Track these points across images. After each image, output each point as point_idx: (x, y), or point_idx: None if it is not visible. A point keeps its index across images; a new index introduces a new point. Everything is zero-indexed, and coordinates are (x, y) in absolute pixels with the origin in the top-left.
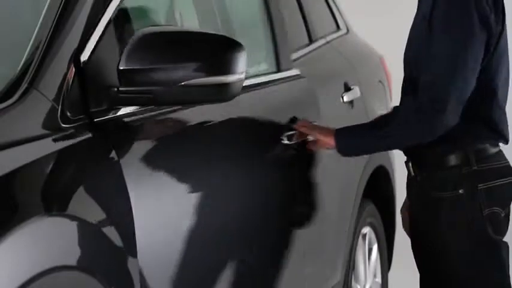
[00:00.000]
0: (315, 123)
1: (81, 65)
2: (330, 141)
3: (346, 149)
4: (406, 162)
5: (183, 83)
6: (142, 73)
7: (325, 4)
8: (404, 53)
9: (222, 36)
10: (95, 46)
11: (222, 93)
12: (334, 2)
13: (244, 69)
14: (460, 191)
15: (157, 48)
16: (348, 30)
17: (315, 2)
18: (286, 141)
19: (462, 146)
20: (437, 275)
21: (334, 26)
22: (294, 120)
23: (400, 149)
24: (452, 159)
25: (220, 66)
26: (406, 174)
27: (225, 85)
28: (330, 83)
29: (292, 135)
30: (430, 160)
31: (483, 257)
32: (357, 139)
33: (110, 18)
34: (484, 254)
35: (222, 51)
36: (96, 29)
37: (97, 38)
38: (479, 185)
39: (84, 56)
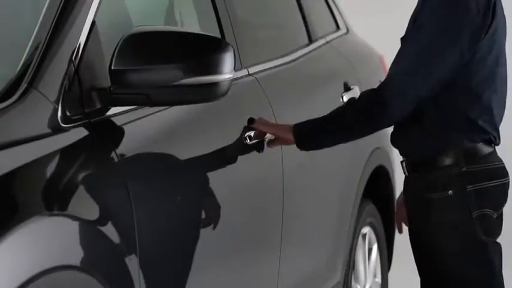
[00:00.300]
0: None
1: (74, 65)
2: (289, 137)
3: (305, 144)
4: (402, 162)
5: (174, 83)
6: (134, 73)
7: (325, 4)
8: None
9: (211, 36)
10: (84, 46)
11: (212, 92)
12: (334, 2)
13: (232, 68)
14: (450, 192)
15: (147, 48)
16: (348, 30)
17: (315, 2)
18: (248, 141)
19: (452, 147)
20: (434, 275)
21: (334, 26)
22: (251, 120)
23: (357, 138)
24: (443, 160)
25: (210, 66)
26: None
27: (215, 84)
28: (330, 83)
29: (252, 135)
30: (422, 160)
31: (473, 258)
32: (314, 133)
33: (94, 19)
34: (474, 255)
35: (212, 51)
36: (84, 29)
37: (85, 38)
38: (468, 187)
39: (76, 56)
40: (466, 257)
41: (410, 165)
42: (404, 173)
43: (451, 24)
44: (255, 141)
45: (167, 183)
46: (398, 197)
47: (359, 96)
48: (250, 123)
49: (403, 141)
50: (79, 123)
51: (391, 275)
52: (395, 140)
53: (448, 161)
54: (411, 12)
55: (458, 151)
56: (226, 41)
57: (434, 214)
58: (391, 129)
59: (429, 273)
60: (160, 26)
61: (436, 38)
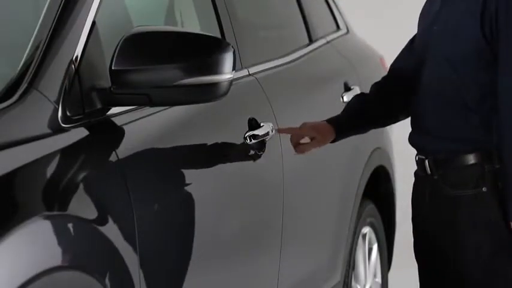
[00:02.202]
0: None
1: (75, 65)
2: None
3: None
4: (421, 160)
5: (174, 83)
6: (134, 73)
7: (325, 4)
8: (438, 46)
9: (211, 36)
10: (85, 46)
11: (212, 92)
12: (334, 2)
13: (232, 68)
14: (484, 189)
15: (147, 48)
16: (348, 30)
17: (315, 2)
18: (248, 141)
19: (485, 144)
20: (448, 276)
21: (334, 26)
22: (251, 120)
23: None
24: (475, 157)
25: (210, 66)
26: (415, 172)
27: (215, 84)
28: (330, 83)
29: (253, 135)
30: (451, 158)
31: (503, 258)
32: None
33: (94, 19)
34: (504, 255)
35: (212, 51)
36: (84, 29)
37: (85, 38)
38: (500, 184)
39: (76, 56)
40: (496, 256)
41: (435, 163)
42: (425, 171)
43: None
44: (256, 141)
45: (167, 183)
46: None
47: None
48: (251, 124)
49: (435, 139)
50: (79, 123)
51: (391, 275)
52: (421, 138)
53: (480, 158)
54: (411, 13)
55: (492, 148)
56: (227, 41)
57: (465, 212)
58: (391, 128)
59: (442, 273)
60: (160, 26)
61: None
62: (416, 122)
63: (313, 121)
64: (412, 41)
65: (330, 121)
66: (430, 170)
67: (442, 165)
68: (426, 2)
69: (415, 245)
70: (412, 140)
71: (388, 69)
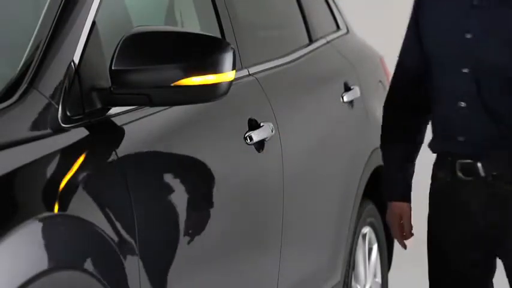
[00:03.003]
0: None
1: (75, 65)
2: None
3: None
4: (470, 165)
5: (174, 83)
6: (134, 73)
7: (325, 4)
8: (492, 58)
9: (211, 36)
10: (84, 46)
11: (212, 92)
12: (334, 2)
13: (232, 68)
14: None
15: (147, 48)
16: (348, 30)
17: (315, 2)
18: (248, 142)
19: None
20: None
21: (334, 26)
22: (251, 121)
23: None
24: None
25: (211, 66)
26: (450, 180)
27: (216, 84)
28: (330, 83)
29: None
30: (506, 156)
31: None
32: None
33: (94, 19)
34: None
35: (212, 51)
36: (84, 29)
37: (85, 38)
38: None
39: (76, 57)
40: None
41: (489, 165)
42: (475, 176)
43: None
44: (256, 141)
45: (167, 183)
46: (392, 214)
47: None
48: (251, 124)
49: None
50: (79, 123)
51: (391, 275)
52: (472, 147)
53: None
54: (411, 12)
55: None
56: (227, 41)
57: None
58: None
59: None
60: (160, 26)
61: None
62: (463, 132)
63: (393, 217)
64: (410, 44)
65: (397, 198)
66: (484, 172)
67: (495, 165)
68: (428, 10)
69: (443, 255)
70: (457, 149)
71: (388, 70)
